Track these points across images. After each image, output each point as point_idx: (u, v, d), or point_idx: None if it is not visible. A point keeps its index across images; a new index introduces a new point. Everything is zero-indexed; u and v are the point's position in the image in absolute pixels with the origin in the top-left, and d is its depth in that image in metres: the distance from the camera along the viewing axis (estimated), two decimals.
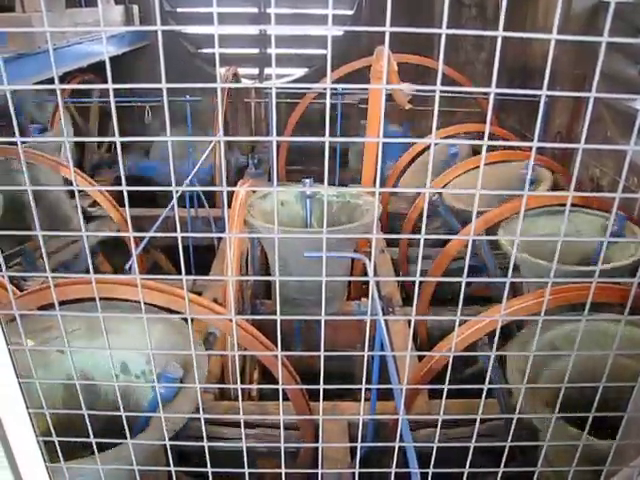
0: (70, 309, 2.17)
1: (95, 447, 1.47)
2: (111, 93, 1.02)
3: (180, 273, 1.20)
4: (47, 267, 1.24)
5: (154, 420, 2.11)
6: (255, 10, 8.68)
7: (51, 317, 2.38)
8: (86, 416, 1.39)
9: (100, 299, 1.25)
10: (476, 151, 5.96)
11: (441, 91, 1.01)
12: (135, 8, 8.23)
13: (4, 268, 1.22)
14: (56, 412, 1.43)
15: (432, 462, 1.46)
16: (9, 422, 1.34)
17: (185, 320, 2.61)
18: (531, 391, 2.23)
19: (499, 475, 1.53)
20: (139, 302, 1.26)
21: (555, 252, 1.13)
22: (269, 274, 4.63)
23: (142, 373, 2.50)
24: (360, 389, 1.38)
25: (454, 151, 5.62)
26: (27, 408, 1.34)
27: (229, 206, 3.54)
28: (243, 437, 1.46)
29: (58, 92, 1.09)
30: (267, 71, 9.08)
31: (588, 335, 2.38)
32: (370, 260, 1.35)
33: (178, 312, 2.42)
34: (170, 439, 1.48)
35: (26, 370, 1.30)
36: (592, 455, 1.74)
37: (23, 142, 1.10)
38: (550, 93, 0.98)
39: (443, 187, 4.72)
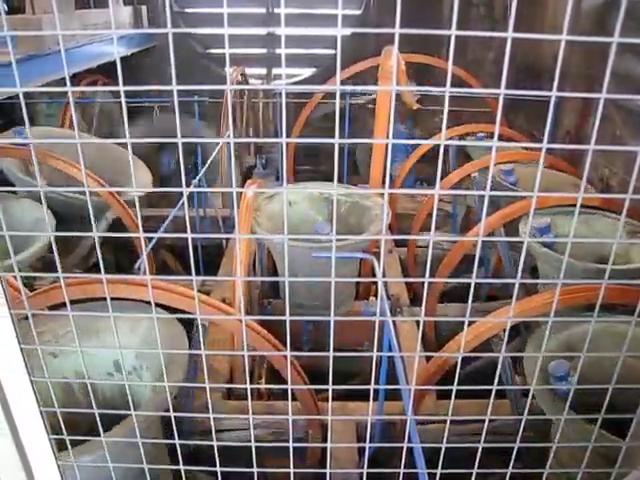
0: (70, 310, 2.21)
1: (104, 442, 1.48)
2: (122, 95, 1.02)
3: (188, 272, 1.21)
4: (59, 267, 1.25)
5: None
6: (263, 10, 8.70)
7: (44, 322, 2.43)
8: (97, 415, 1.41)
9: (86, 300, 1.26)
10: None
11: (450, 91, 1.01)
12: (144, 9, 8.26)
13: (16, 269, 1.23)
14: (64, 411, 1.44)
15: (440, 462, 1.46)
16: (22, 421, 1.35)
17: (194, 320, 2.62)
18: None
19: (508, 475, 1.52)
20: (135, 300, 1.27)
21: (574, 252, 1.13)
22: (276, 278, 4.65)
23: (133, 369, 2.56)
24: (368, 389, 1.38)
25: (512, 180, 4.45)
26: (39, 406, 1.35)
27: (238, 206, 3.55)
28: (252, 436, 1.47)
29: (70, 94, 1.10)
30: (275, 71, 9.10)
31: (608, 337, 2.37)
32: (379, 260, 1.36)
33: (188, 312, 2.43)
34: (179, 437, 1.49)
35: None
36: (605, 453, 1.73)
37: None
38: (560, 94, 0.98)
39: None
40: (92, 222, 1.19)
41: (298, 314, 1.20)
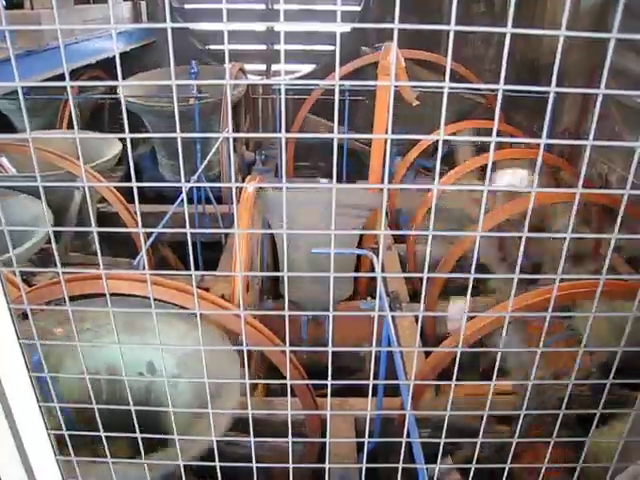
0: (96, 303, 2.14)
1: (105, 441, 1.49)
2: (121, 90, 1.02)
3: (187, 268, 1.21)
4: (57, 262, 1.25)
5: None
6: (262, 6, 8.69)
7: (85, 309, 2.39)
8: (96, 410, 1.41)
9: (127, 295, 1.26)
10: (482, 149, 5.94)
11: (449, 87, 1.01)
12: (143, 5, 8.25)
13: (15, 263, 1.23)
14: (73, 406, 1.44)
15: (439, 458, 1.47)
16: (21, 417, 1.35)
17: (194, 315, 2.62)
18: None
19: (505, 471, 1.53)
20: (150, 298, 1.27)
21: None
22: (277, 264, 4.64)
23: (171, 376, 2.50)
24: (367, 385, 1.38)
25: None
26: (38, 402, 1.35)
27: (237, 202, 3.55)
28: (251, 433, 1.47)
29: (69, 89, 1.10)
30: (274, 67, 9.09)
31: None
32: (378, 257, 1.36)
33: (186, 308, 2.43)
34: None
35: (57, 358, 1.32)
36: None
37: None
38: (559, 90, 0.98)
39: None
40: (91, 217, 1.19)
41: (297, 299, 1.20)
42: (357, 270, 4.76)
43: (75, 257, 5.01)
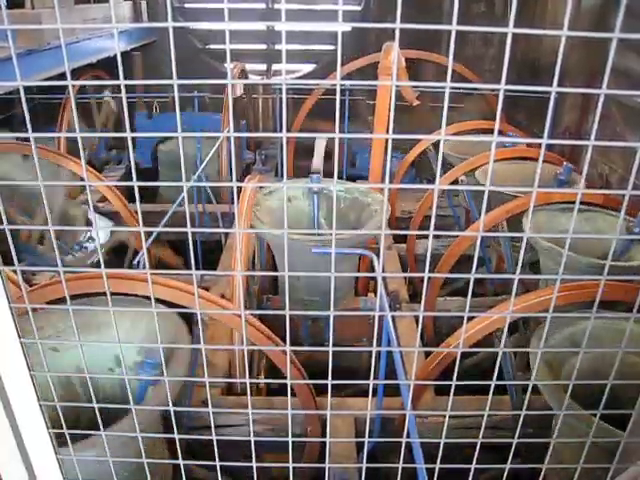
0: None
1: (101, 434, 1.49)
2: (123, 89, 1.02)
3: (187, 268, 1.21)
4: (58, 261, 1.25)
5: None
6: (263, 6, 8.68)
7: (45, 317, 2.42)
8: (97, 410, 1.41)
9: (87, 295, 1.26)
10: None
11: (450, 87, 1.01)
12: (143, 4, 8.25)
13: (16, 262, 1.23)
14: (63, 405, 1.44)
15: (439, 458, 1.46)
16: (21, 415, 1.35)
17: (194, 314, 2.62)
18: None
19: (505, 471, 1.53)
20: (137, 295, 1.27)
21: (576, 249, 1.13)
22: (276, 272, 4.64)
23: (135, 365, 2.54)
24: (367, 384, 1.38)
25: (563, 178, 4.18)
26: (38, 400, 1.35)
27: (238, 201, 3.54)
28: (251, 432, 1.47)
29: (70, 88, 1.10)
30: (274, 67, 9.09)
31: (609, 333, 2.38)
32: (378, 257, 1.36)
33: (187, 307, 2.43)
34: (178, 432, 1.49)
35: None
36: (607, 448, 1.74)
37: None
38: (560, 90, 0.98)
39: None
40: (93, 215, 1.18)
41: (299, 309, 1.21)
42: (357, 270, 4.75)
43: None
